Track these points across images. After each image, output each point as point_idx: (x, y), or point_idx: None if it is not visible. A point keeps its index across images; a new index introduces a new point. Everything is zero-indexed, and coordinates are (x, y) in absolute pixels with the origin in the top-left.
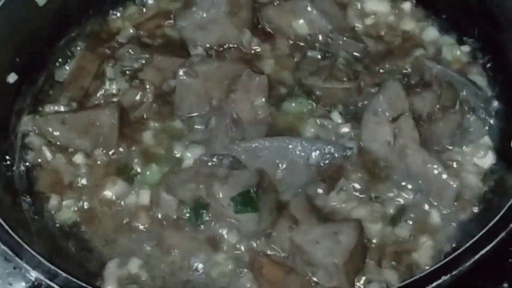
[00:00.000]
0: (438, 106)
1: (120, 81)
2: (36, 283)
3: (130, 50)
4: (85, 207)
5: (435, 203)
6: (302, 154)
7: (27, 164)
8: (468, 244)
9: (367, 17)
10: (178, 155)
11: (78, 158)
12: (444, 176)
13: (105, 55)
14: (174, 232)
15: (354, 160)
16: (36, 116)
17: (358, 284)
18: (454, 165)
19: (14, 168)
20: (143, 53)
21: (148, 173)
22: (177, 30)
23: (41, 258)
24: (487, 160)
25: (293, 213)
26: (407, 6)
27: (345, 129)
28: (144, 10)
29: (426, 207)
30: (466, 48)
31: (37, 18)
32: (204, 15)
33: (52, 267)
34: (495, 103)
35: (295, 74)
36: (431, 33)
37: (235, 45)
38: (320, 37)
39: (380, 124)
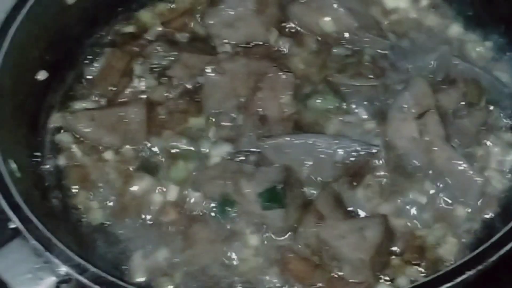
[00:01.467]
0: (463, 103)
1: (148, 78)
2: (66, 278)
3: (158, 48)
4: (113, 203)
5: (460, 199)
6: (328, 151)
7: (57, 160)
8: (492, 240)
9: (391, 14)
10: (205, 152)
11: (107, 155)
12: (470, 172)
13: (133, 52)
14: (201, 227)
15: (380, 157)
16: (65, 113)
17: (383, 278)
18: (479, 161)
19: (43, 164)
20: (171, 50)
21: (175, 169)
22: (205, 27)
23: (70, 253)
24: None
25: (319, 209)
26: (427, 2)
27: (371, 126)
28: (172, 7)
29: (451, 203)
30: (490, 44)
31: (66, 16)
32: (232, 12)
33: (82, 261)
34: None
35: (322, 71)
36: (456, 29)
37: (262, 43)
38: (347, 35)
39: (406, 121)
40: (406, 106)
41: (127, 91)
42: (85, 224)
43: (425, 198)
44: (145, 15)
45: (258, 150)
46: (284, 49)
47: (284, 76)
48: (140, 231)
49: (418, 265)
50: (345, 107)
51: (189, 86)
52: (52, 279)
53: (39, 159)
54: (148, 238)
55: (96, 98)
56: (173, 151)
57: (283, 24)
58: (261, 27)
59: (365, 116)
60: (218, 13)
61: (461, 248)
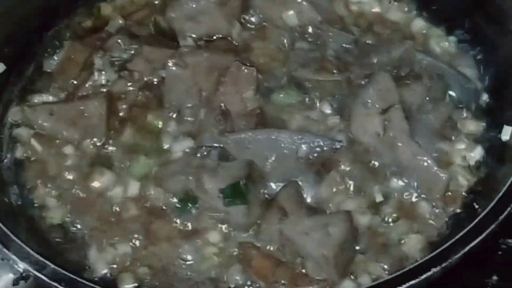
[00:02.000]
0: (427, 98)
1: (109, 72)
2: (24, 275)
3: (119, 41)
4: (73, 198)
5: (425, 195)
6: (291, 146)
7: (15, 155)
8: (457, 237)
9: (354, 8)
10: (166, 147)
11: (67, 150)
12: (434, 168)
13: (94, 45)
14: (162, 223)
15: (343, 152)
16: (24, 107)
17: (347, 276)
18: (444, 157)
19: (2, 159)
20: (132, 43)
21: (136, 164)
22: (167, 20)
23: (29, 249)
24: (477, 153)
25: (282, 205)
26: None
27: (335, 121)
28: (134, 0)
29: (416, 199)
30: (454, 39)
31: (25, 7)
32: (194, 5)
33: (40, 258)
34: (485, 96)
35: (285, 65)
36: (419, 24)
37: (225, 36)
38: (310, 29)
39: (370, 116)
40: (370, 101)
41: (87, 84)
42: (44, 220)
43: (390, 194)
44: (106, 8)
45: (221, 145)
46: (247, 43)
47: (246, 71)
48: (100, 227)
49: (383, 262)
50: (308, 102)
51: (150, 80)
52: (10, 276)
53: None
54: (109, 234)
55: (56, 92)
56: (133, 146)
57: (246, 18)
58: (224, 20)
59: (329, 111)
60: (180, 6)
61: (426, 245)
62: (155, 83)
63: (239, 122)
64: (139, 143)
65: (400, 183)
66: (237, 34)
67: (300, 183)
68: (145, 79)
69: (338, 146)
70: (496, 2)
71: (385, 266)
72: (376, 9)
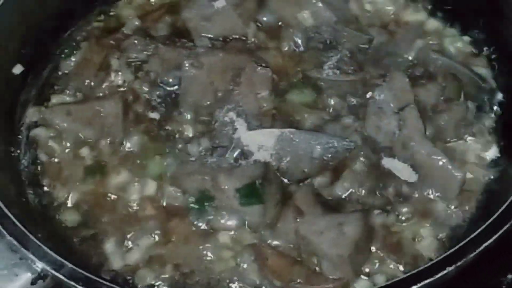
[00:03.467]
0: (442, 98)
1: (125, 72)
2: (42, 274)
3: (135, 42)
4: (90, 198)
5: (440, 194)
6: (306, 147)
7: (33, 155)
8: (472, 236)
9: (368, 7)
10: (183, 147)
11: (84, 150)
12: (449, 167)
13: (110, 46)
14: (179, 222)
15: (358, 152)
16: (41, 108)
17: (362, 275)
18: (459, 157)
19: (20, 159)
20: (148, 44)
21: (152, 164)
22: (183, 21)
23: (47, 249)
24: (491, 152)
25: (298, 205)
26: None
27: (349, 121)
28: (150, 0)
29: (431, 198)
30: (468, 39)
31: (42, 9)
32: (209, 6)
33: (58, 257)
34: (499, 95)
35: (300, 66)
36: (434, 24)
37: (240, 37)
38: (325, 29)
39: (385, 116)
40: (385, 101)
41: (104, 85)
42: (61, 220)
43: (405, 193)
44: (122, 9)
45: (237, 145)
46: (262, 43)
47: (261, 71)
48: (117, 226)
49: (398, 261)
50: (323, 102)
51: (166, 80)
52: (28, 275)
53: (15, 154)
54: (126, 233)
55: (73, 92)
56: (149, 146)
57: (261, 18)
58: (239, 20)
59: (344, 111)
60: (196, 7)
61: (441, 244)
62: (171, 83)
63: (254, 122)
64: (155, 143)
65: (415, 182)
66: (252, 34)
67: (315, 183)
68: (162, 79)
69: (353, 147)
70: (510, 2)
71: (400, 265)
72: (391, 9)
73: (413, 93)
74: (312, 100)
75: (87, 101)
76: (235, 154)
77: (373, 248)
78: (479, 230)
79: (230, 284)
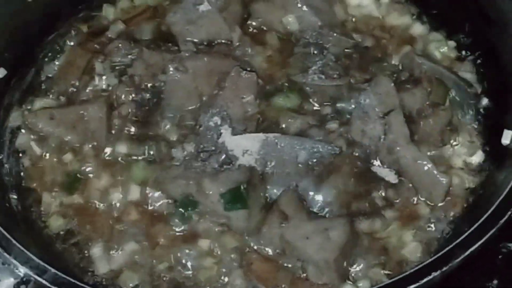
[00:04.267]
0: (428, 102)
1: (109, 76)
2: (24, 279)
3: (119, 45)
4: (74, 202)
5: (425, 199)
6: (290, 152)
7: (16, 160)
8: (458, 241)
9: (354, 12)
10: (167, 151)
11: (68, 154)
12: (434, 172)
13: (94, 50)
14: (163, 228)
15: (343, 157)
16: (25, 112)
17: (348, 280)
18: (444, 161)
19: (3, 163)
20: (132, 48)
21: (136, 169)
22: (167, 25)
23: (29, 254)
24: (477, 157)
25: (283, 210)
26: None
27: (334, 126)
28: (134, 4)
29: (416, 203)
30: (454, 44)
31: (26, 13)
32: (194, 10)
33: (41, 263)
34: (485, 100)
35: (285, 70)
36: (419, 28)
37: (225, 41)
38: (310, 33)
39: (370, 120)
40: (370, 105)
41: (88, 89)
42: (44, 225)
43: (390, 198)
44: (106, 13)
45: (221, 150)
46: (247, 48)
47: (247, 76)
48: (101, 231)
49: (383, 266)
50: (308, 106)
51: (150, 84)
52: (11, 281)
53: None
54: (110, 238)
55: (56, 96)
56: (134, 150)
57: (246, 22)
58: (224, 25)
59: (329, 116)
60: (181, 11)
61: (426, 249)
62: (156, 87)
63: (239, 126)
64: (139, 148)
65: (401, 187)
66: (238, 38)
67: (300, 187)
68: (146, 83)
69: (337, 151)
70: (496, 6)
71: (386, 271)
72: (376, 14)
73: (398, 97)
74: (297, 104)
75: (71, 105)
76: (219, 159)
77: (358, 253)
78: (465, 235)
79: None
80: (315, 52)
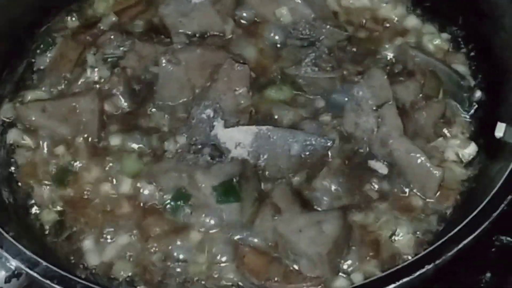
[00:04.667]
0: (421, 95)
1: (101, 68)
2: (16, 272)
3: (111, 37)
4: (66, 195)
5: (418, 192)
6: (283, 144)
7: (8, 152)
8: (451, 234)
9: (347, 4)
10: (159, 144)
11: (60, 148)
12: (427, 165)
13: (86, 42)
14: (155, 220)
15: (336, 150)
16: (16, 104)
17: (340, 273)
18: (437, 154)
19: None
20: (125, 40)
21: (128, 161)
22: (160, 17)
23: (21, 247)
24: (470, 149)
25: (276, 202)
26: None
27: (327, 118)
28: None
29: (409, 196)
30: (447, 36)
31: (18, 4)
32: (187, 2)
33: (33, 255)
34: (478, 93)
35: (278, 62)
36: (412, 21)
37: (218, 33)
38: (303, 25)
39: (363, 113)
40: (363, 98)
41: (80, 81)
42: (36, 218)
43: (383, 191)
44: (98, 4)
45: (214, 142)
46: (240, 40)
47: (239, 68)
48: (93, 223)
49: (376, 259)
50: (301, 99)
51: (143, 76)
52: (2, 273)
53: None
54: (102, 231)
55: (48, 89)
56: (126, 142)
57: (239, 14)
58: (217, 17)
59: (322, 108)
60: (174, 3)
61: (419, 242)
62: (148, 79)
63: (232, 119)
64: (131, 140)
65: (394, 179)
66: (230, 30)
67: (293, 180)
68: (138, 75)
69: (330, 144)
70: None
71: (378, 264)
72: (370, 6)
73: (391, 90)
74: (290, 97)
75: (63, 97)
76: (212, 152)
77: (351, 246)
78: (458, 228)
79: (207, 282)
80: (308, 44)
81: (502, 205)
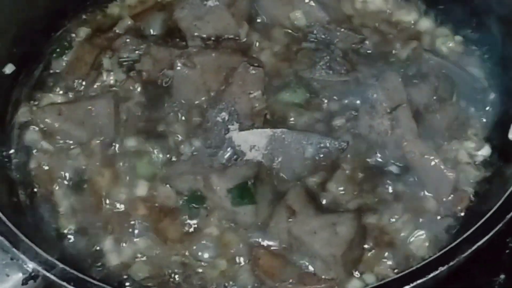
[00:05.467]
0: (435, 97)
1: (117, 72)
2: (33, 274)
3: (127, 41)
4: (82, 198)
5: (432, 194)
6: (297, 147)
7: (25, 155)
8: (465, 235)
9: (361, 7)
10: (175, 147)
11: (76, 149)
12: (441, 167)
13: (102, 46)
14: (171, 223)
15: (350, 152)
16: (32, 107)
17: (355, 275)
18: (451, 156)
19: (11, 159)
20: (140, 44)
21: (144, 164)
22: (175, 20)
23: (38, 249)
24: (484, 151)
25: (290, 205)
26: None
27: (341, 121)
28: (142, 0)
29: (423, 198)
30: (461, 39)
31: (34, 8)
32: (202, 5)
33: (49, 258)
34: (492, 95)
35: (292, 65)
36: (426, 23)
37: (233, 36)
38: (318, 28)
39: (378, 115)
40: (378, 100)
41: (96, 85)
42: (53, 220)
43: (397, 193)
44: (114, 8)
45: (229, 145)
46: (255, 43)
47: (254, 71)
48: (110, 226)
49: (390, 260)
50: (315, 102)
51: (158, 79)
52: (19, 276)
53: (6, 153)
54: (118, 233)
55: (64, 92)
56: (142, 145)
57: (254, 18)
58: (232, 20)
59: (336, 111)
60: (189, 6)
61: (433, 243)
62: (163, 83)
63: (246, 122)
64: (147, 143)
65: (408, 182)
66: (245, 34)
67: (307, 183)
68: (154, 79)
69: (344, 146)
70: (503, 1)
71: (392, 265)
72: (384, 9)
73: (405, 92)
74: (305, 100)
75: (79, 100)
76: (227, 154)
77: (365, 248)
78: (472, 229)
79: (224, 284)
80: (323, 47)
81: None
